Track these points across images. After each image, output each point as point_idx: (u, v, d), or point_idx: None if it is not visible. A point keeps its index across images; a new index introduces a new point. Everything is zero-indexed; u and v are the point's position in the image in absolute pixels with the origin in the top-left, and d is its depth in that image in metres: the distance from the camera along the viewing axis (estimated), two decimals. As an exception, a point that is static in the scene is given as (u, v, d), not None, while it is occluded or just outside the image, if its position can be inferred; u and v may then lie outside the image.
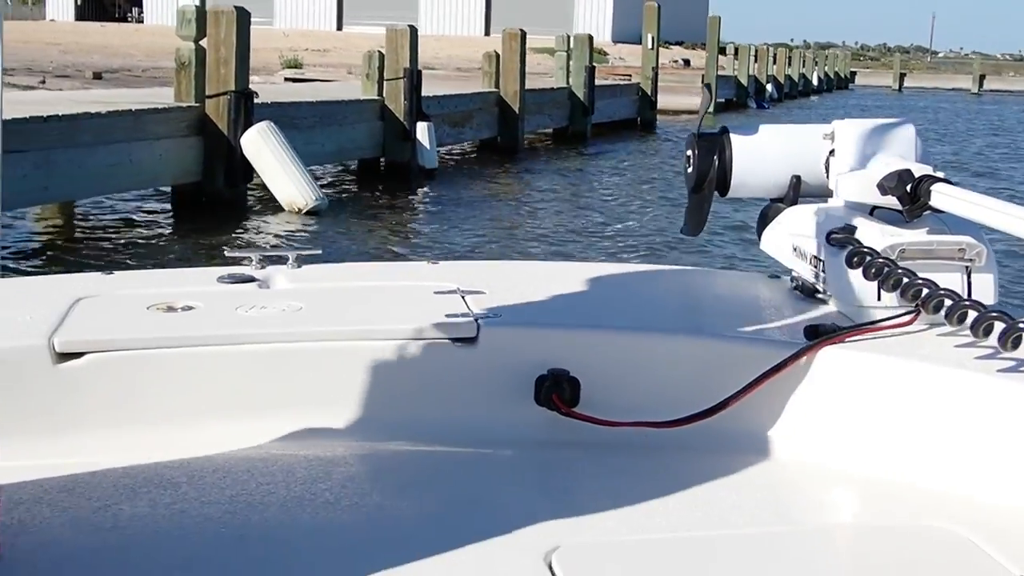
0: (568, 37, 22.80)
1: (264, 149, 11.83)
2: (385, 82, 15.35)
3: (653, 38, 26.33)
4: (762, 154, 2.17)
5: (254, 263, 2.27)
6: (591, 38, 23.10)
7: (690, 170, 2.19)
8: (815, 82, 53.40)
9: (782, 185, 2.18)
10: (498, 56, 19.06)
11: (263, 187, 12.20)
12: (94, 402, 1.83)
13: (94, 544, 1.50)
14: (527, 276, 2.32)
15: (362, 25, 56.48)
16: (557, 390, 1.85)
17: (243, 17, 12.04)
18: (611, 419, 1.83)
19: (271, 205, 12.11)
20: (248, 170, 11.97)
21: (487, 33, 56.30)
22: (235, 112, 11.84)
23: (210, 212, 11.73)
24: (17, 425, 1.79)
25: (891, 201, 1.96)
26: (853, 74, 69.85)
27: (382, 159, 15.49)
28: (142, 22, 62.24)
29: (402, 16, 54.60)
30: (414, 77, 15.41)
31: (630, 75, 30.37)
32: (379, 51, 15.47)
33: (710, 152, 2.17)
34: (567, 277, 2.29)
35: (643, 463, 1.80)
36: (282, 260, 2.30)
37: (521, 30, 19.48)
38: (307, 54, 38.80)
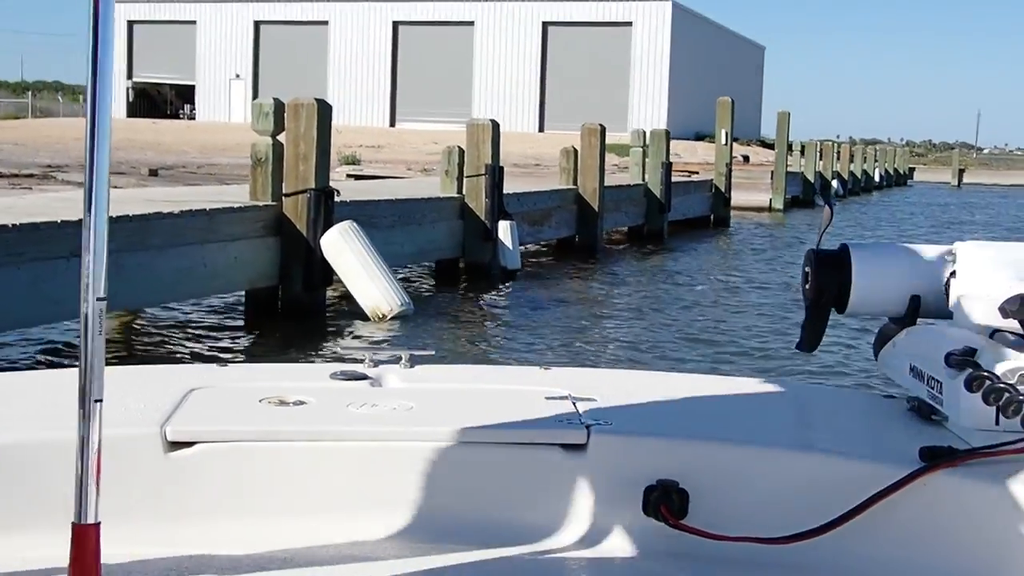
0: (643, 133, 21.93)
1: (346, 251, 10.88)
2: (465, 179, 14.46)
3: (727, 133, 25.45)
4: (882, 272, 2.18)
5: (367, 361, 2.31)
6: (668, 133, 22.23)
7: (808, 286, 2.20)
8: (876, 178, 52.47)
9: (901, 304, 2.17)
10: (576, 152, 18.17)
11: (343, 291, 11.24)
12: (202, 492, 1.87)
13: None
14: (638, 385, 2.34)
15: (415, 122, 56.27)
16: (666, 501, 1.85)
17: (324, 110, 11.18)
18: (719, 533, 1.82)
19: (352, 310, 11.14)
20: (328, 273, 11.02)
21: (541, 129, 55.84)
22: (315, 211, 10.92)
23: (287, 319, 10.78)
24: (127, 511, 1.83)
25: (1013, 325, 1.98)
26: (912, 170, 69.03)
27: (461, 259, 14.55)
28: (194, 118, 62.40)
29: (456, 112, 54.38)
30: (496, 174, 14.52)
31: (695, 171, 29.53)
32: (458, 147, 14.60)
33: (829, 269, 2.17)
34: (678, 387, 2.34)
35: None
36: (395, 359, 2.35)
37: (600, 125, 18.61)
38: (362, 150, 38.26)
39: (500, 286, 14.07)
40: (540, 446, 1.93)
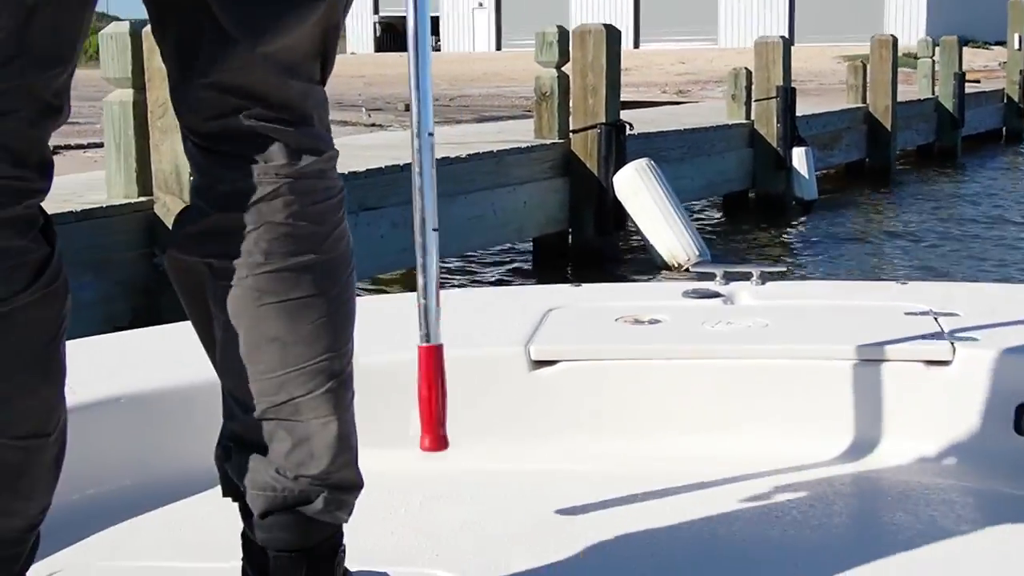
0: (929, 41, 20.12)
1: (642, 191, 9.91)
2: (754, 103, 13.26)
3: (1021, 37, 23.20)
4: None
5: (718, 279, 2.30)
6: (960, 40, 20.32)
7: None
8: None
9: None
10: (864, 67, 16.66)
11: (634, 236, 10.33)
12: (565, 409, 1.92)
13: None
14: (1003, 299, 2.26)
15: (658, 42, 54.67)
16: None
17: (612, 37, 10.19)
18: None
19: (645, 258, 10.21)
20: (621, 216, 10.11)
21: (791, 43, 53.38)
22: (606, 148, 10.00)
23: (578, 267, 9.93)
24: (492, 427, 1.90)
25: None
26: None
27: (751, 191, 13.40)
28: (439, 50, 62.43)
29: (701, 31, 52.62)
30: (788, 96, 13.26)
31: (976, 80, 27.27)
32: (745, 68, 13.40)
33: None
34: None
35: None
36: (746, 277, 2.33)
37: (892, 36, 17.00)
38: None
39: (797, 219, 12.89)
40: (902, 362, 1.87)
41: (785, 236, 12.23)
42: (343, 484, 1.29)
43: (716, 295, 2.24)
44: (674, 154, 11.59)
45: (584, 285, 2.42)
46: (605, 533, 1.59)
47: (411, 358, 1.64)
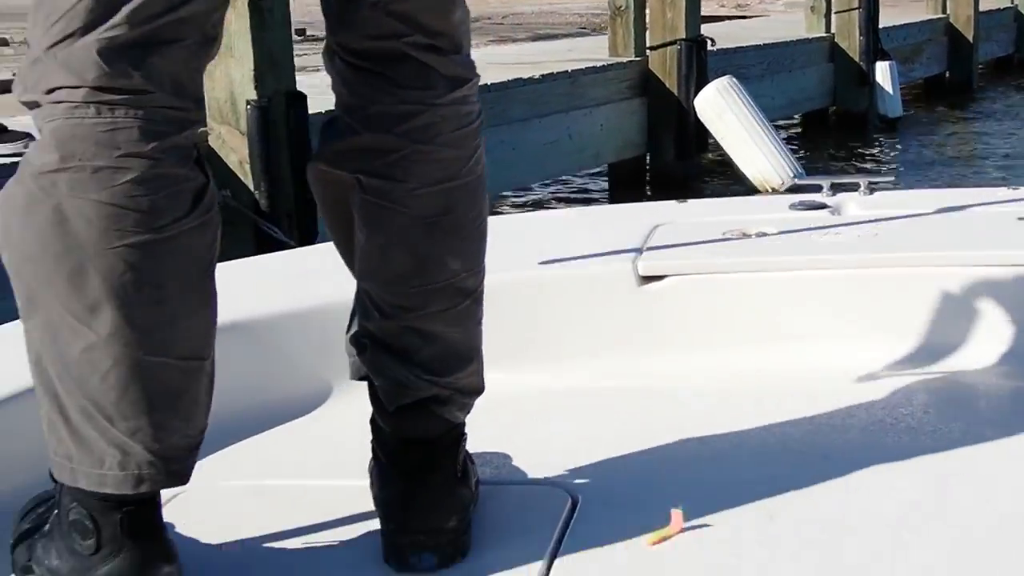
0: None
1: (727, 112, 9.01)
2: (834, 15, 12.43)
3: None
4: None
5: (825, 190, 2.33)
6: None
7: None
8: None
9: None
10: (946, -26, 15.71)
11: (718, 158, 9.63)
12: (674, 324, 1.92)
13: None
14: None
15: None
16: None
17: (691, -58, 9.43)
18: None
19: (730, 183, 9.52)
20: (703, 138, 9.40)
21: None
22: (686, 66, 9.28)
23: (657, 192, 9.27)
24: (603, 344, 1.91)
25: None
26: None
27: (831, 109, 12.61)
28: (483, -32, 61.15)
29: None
30: (872, 6, 12.41)
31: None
32: (826, -24, 12.55)
33: None
34: None
35: None
36: (853, 187, 2.34)
37: (975, -60, 16.03)
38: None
39: (881, 138, 12.12)
40: (1018, 267, 1.85)
41: (871, 155, 11.49)
42: (467, 389, 1.36)
43: (823, 206, 2.22)
44: (754, 71, 10.82)
45: (689, 201, 2.44)
46: (717, 446, 1.60)
47: (525, 277, 1.86)
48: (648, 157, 9.50)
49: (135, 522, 1.20)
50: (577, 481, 1.50)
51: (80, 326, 1.16)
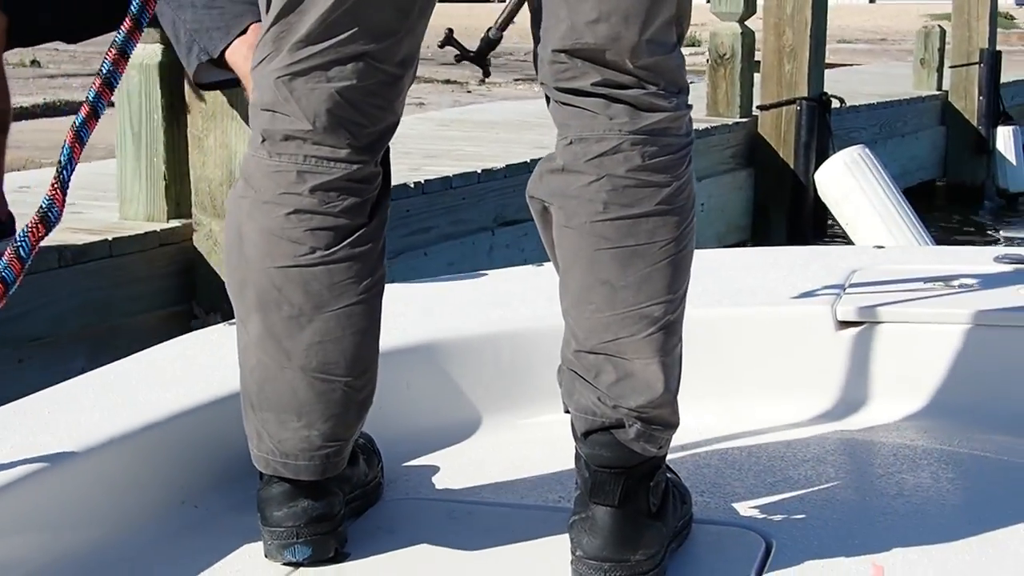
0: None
1: (856, 192, 7.25)
2: (948, 70, 10.59)
3: None
4: None
5: None
6: None
7: None
8: None
9: None
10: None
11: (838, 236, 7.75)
12: (870, 371, 1.89)
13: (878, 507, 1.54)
14: None
15: None
16: None
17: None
18: None
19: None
20: (822, 220, 7.56)
21: (878, -1, 50.13)
22: (806, 131, 7.46)
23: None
24: (797, 383, 1.90)
25: None
26: None
27: (938, 181, 10.75)
28: None
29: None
30: (994, 61, 10.57)
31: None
32: (938, 26, 10.73)
33: None
34: None
35: None
36: None
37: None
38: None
39: (1000, 216, 10.27)
40: None
41: (990, 233, 9.65)
42: (657, 420, 1.35)
43: None
44: (864, 135, 8.97)
45: (887, 247, 2.51)
46: (914, 500, 1.56)
47: (720, 313, 1.97)
48: (750, 245, 7.62)
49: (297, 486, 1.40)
50: (771, 524, 1.48)
51: (242, 328, 1.40)
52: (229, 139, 3.84)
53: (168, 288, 3.91)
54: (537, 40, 1.36)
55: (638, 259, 1.32)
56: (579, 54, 1.31)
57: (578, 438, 1.37)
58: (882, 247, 2.39)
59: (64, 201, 1.35)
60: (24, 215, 4.18)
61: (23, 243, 1.34)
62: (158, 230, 3.92)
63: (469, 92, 17.09)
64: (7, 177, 5.54)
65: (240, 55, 3.07)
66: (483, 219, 5.29)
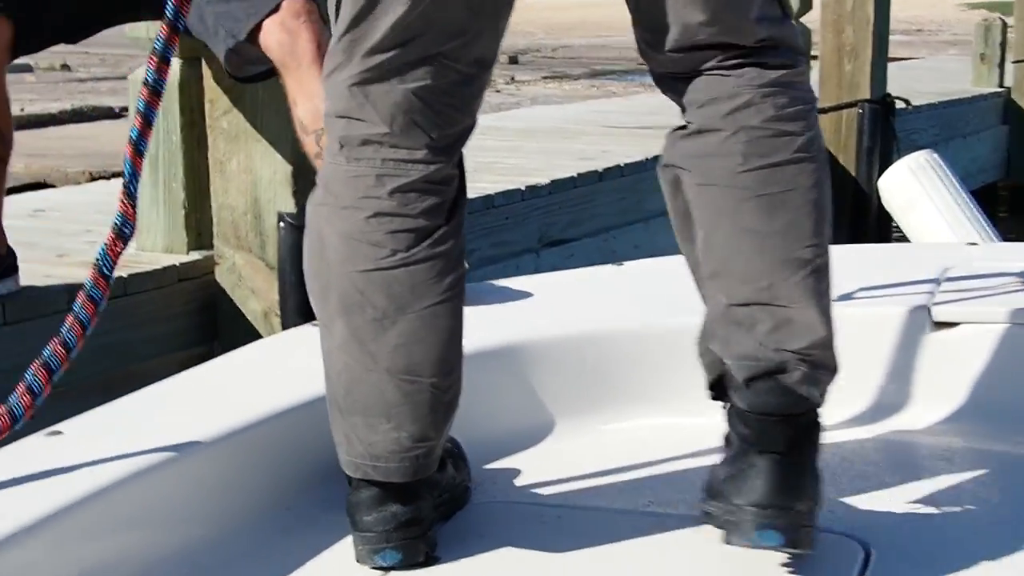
0: None
1: (922, 198, 6.84)
2: (1011, 64, 10.14)
3: None
4: None
5: None
6: None
7: None
8: None
9: None
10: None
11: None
12: (966, 374, 1.85)
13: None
14: None
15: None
16: None
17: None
18: None
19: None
20: (886, 227, 7.17)
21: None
22: (868, 136, 7.13)
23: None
24: (892, 386, 1.85)
25: None
26: None
27: (1000, 183, 10.29)
28: (538, -4, 59.26)
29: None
30: (1060, 56, 10.11)
31: None
32: (1000, 19, 10.27)
33: None
34: None
35: None
36: None
37: None
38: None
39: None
40: None
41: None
42: (819, 363, 1.35)
43: None
44: (925, 137, 8.54)
45: (980, 244, 2.48)
46: (1014, 509, 1.52)
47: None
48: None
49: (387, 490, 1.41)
50: (870, 532, 1.46)
51: (326, 332, 1.42)
52: (253, 163, 3.47)
53: (188, 328, 3.54)
54: (645, 42, 1.41)
55: (782, 206, 1.35)
56: (698, 48, 1.38)
57: (737, 388, 1.36)
58: (974, 244, 2.23)
59: (135, 214, 1.42)
60: (35, 244, 3.89)
61: (104, 261, 1.39)
62: (177, 264, 3.55)
63: (498, 92, 16.81)
64: (23, 197, 5.23)
65: (273, 37, 2.78)
66: (527, 240, 4.92)
